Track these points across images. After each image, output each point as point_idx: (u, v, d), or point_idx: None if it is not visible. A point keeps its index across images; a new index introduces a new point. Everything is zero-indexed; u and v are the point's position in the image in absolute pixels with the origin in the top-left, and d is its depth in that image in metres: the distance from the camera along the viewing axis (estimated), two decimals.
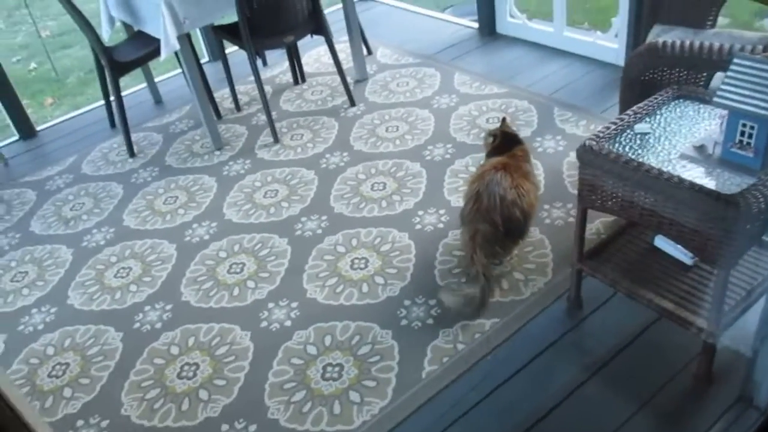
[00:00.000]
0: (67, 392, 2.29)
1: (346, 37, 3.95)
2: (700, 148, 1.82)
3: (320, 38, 3.67)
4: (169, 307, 2.58)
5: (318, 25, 3.59)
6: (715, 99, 1.69)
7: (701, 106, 2.02)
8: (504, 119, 2.62)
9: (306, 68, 4.20)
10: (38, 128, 4.21)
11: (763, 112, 1.60)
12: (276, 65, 4.37)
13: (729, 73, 1.67)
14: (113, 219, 3.17)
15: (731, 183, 1.69)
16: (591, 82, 3.60)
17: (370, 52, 4.27)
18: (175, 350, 2.38)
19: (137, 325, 2.52)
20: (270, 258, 2.73)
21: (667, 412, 1.91)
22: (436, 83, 3.82)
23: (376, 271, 2.55)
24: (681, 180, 1.68)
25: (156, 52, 3.35)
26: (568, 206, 2.70)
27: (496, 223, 2.28)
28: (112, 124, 4.02)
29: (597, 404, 1.97)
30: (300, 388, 2.15)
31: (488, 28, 4.30)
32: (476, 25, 4.40)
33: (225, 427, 2.07)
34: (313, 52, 4.42)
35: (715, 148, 1.79)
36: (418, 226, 2.75)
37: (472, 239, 2.33)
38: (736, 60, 1.67)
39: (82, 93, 5.17)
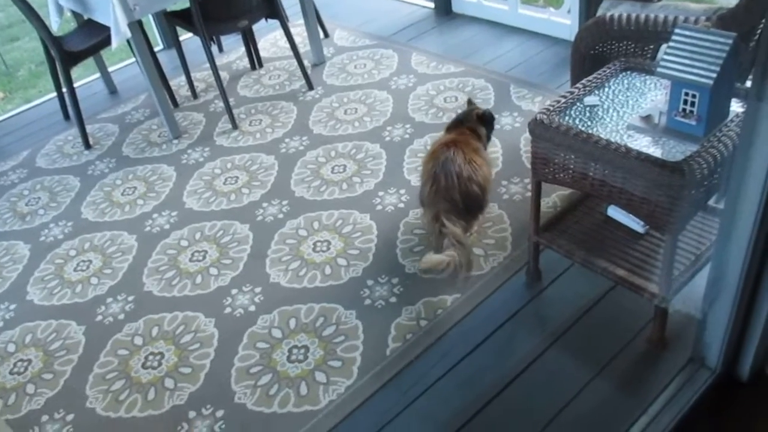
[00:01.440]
0: (30, 388, 2.26)
1: (301, 21, 3.93)
2: (647, 119, 1.87)
3: (276, 22, 3.65)
4: (131, 298, 2.56)
5: (272, 9, 3.56)
6: (658, 69, 1.73)
7: (648, 77, 2.07)
8: (469, 100, 2.68)
9: (262, 53, 4.16)
10: None
11: (703, 80, 1.65)
12: (232, 51, 4.32)
13: (671, 44, 1.71)
14: (71, 212, 3.12)
15: (676, 151, 1.74)
16: (546, 58, 3.65)
17: (326, 35, 4.25)
18: (138, 341, 2.36)
19: (99, 317, 2.50)
20: (232, 244, 2.72)
21: (624, 376, 1.98)
22: (394, 64, 3.82)
23: (339, 253, 2.57)
24: (628, 149, 1.73)
25: (107, 41, 3.28)
26: (525, 181, 2.74)
27: (455, 200, 2.31)
28: (66, 116, 3.94)
29: (557, 372, 2.02)
30: (266, 371, 2.16)
31: (444, 8, 4.31)
32: (432, 5, 4.41)
33: (192, 413, 2.07)
34: (270, 37, 4.38)
35: (660, 118, 1.84)
36: (379, 207, 2.77)
37: (434, 219, 2.35)
38: (677, 31, 1.71)
39: (34, 86, 5.04)
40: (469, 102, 2.70)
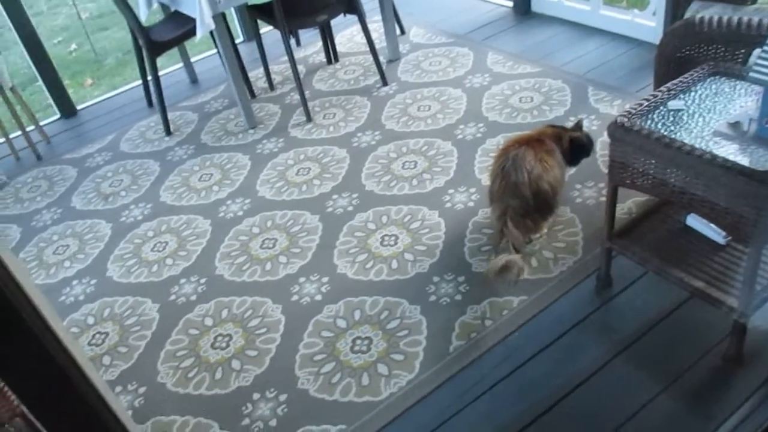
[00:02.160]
0: (106, 360, 2.38)
1: (379, 17, 3.96)
2: (735, 125, 1.79)
3: (353, 18, 3.69)
4: (203, 280, 2.64)
5: (351, 5, 3.59)
6: (750, 74, 1.66)
7: (737, 82, 1.99)
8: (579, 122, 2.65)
9: (339, 48, 4.21)
10: (78, 107, 4.32)
11: None
12: (309, 45, 4.39)
13: (765, 48, 1.64)
14: (150, 195, 3.26)
15: (765, 160, 1.67)
16: (627, 61, 3.55)
17: (403, 32, 4.27)
18: (209, 321, 2.44)
19: (173, 297, 2.59)
20: (301, 234, 2.77)
21: (695, 392, 1.90)
22: (469, 62, 3.80)
23: (406, 248, 2.58)
24: (713, 157, 1.66)
25: (192, 32, 3.41)
26: (599, 185, 2.68)
27: (526, 197, 2.29)
28: (149, 104, 4.11)
29: (622, 383, 1.97)
30: (329, 359, 2.19)
31: (523, 7, 4.25)
32: (511, 3, 4.36)
33: (256, 395, 2.13)
34: (347, 32, 4.43)
35: (750, 125, 1.76)
36: (448, 204, 2.76)
37: (503, 215, 2.33)
38: None
39: (120, 74, 5.28)
40: (578, 125, 2.62)
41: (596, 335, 2.14)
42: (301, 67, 4.10)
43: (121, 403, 2.16)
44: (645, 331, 2.10)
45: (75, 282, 2.78)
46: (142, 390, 2.23)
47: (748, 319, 1.84)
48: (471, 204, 2.74)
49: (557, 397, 1.95)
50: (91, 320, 2.57)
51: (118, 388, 2.25)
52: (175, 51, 4.02)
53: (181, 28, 3.64)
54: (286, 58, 3.54)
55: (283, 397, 2.10)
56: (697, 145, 1.73)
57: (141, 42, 3.61)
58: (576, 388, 1.97)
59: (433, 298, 2.34)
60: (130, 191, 3.32)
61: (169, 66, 4.55)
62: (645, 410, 1.88)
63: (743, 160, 1.68)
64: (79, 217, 3.21)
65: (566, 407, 1.93)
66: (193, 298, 2.57)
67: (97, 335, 2.49)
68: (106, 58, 5.65)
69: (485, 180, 2.83)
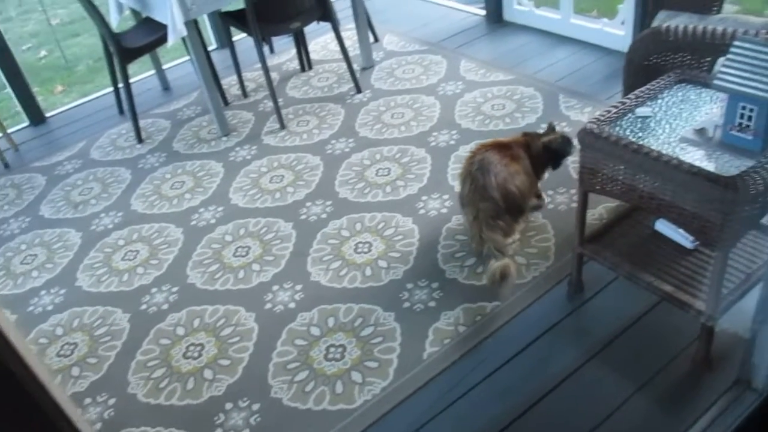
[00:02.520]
0: (75, 371, 2.33)
1: (352, 24, 3.97)
2: (701, 132, 1.83)
3: (327, 25, 3.69)
4: (175, 289, 2.61)
5: (325, 12, 3.60)
6: (715, 82, 1.69)
7: (703, 90, 2.03)
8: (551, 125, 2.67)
9: (313, 55, 4.21)
10: (48, 115, 4.26)
11: (762, 94, 1.61)
12: (283, 52, 4.39)
13: (729, 56, 1.68)
14: (121, 203, 3.21)
15: (730, 165, 1.70)
16: (597, 69, 3.60)
17: (376, 39, 4.28)
18: (180, 331, 2.41)
19: (144, 306, 2.56)
20: (275, 242, 2.76)
21: (665, 394, 1.93)
22: (442, 70, 3.83)
23: (380, 255, 2.58)
24: (680, 162, 1.69)
25: (163, 39, 3.38)
26: (571, 192, 2.71)
27: (495, 199, 2.32)
28: (121, 111, 4.06)
29: (595, 386, 1.99)
30: (303, 368, 2.18)
31: (495, 16, 4.29)
32: (483, 12, 4.40)
33: (229, 405, 2.10)
34: (320, 39, 4.44)
35: (715, 132, 1.80)
36: (422, 211, 2.77)
37: (476, 219, 2.35)
38: (736, 43, 1.68)
39: (91, 80, 5.21)
40: (550, 127, 2.65)
41: (569, 339, 2.16)
42: (274, 75, 4.09)
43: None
44: (617, 334, 2.12)
45: (43, 292, 2.73)
46: (112, 401, 2.19)
47: (716, 322, 1.87)
48: (444, 210, 2.75)
49: (532, 401, 1.97)
50: (59, 331, 2.52)
51: (88, 400, 2.21)
52: (147, 58, 3.99)
53: (152, 34, 3.61)
54: (259, 65, 3.53)
55: (256, 407, 2.08)
56: (664, 151, 1.76)
57: (112, 49, 3.57)
58: (550, 391, 1.99)
59: (407, 304, 2.34)
60: (101, 199, 3.27)
61: (141, 73, 4.51)
62: (618, 413, 1.90)
63: (709, 166, 1.71)
64: (47, 226, 3.15)
65: (541, 411, 1.94)
66: (165, 307, 2.54)
67: (66, 346, 2.45)
68: (77, 65, 5.58)
69: (459, 187, 2.85)
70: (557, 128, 2.67)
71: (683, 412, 1.87)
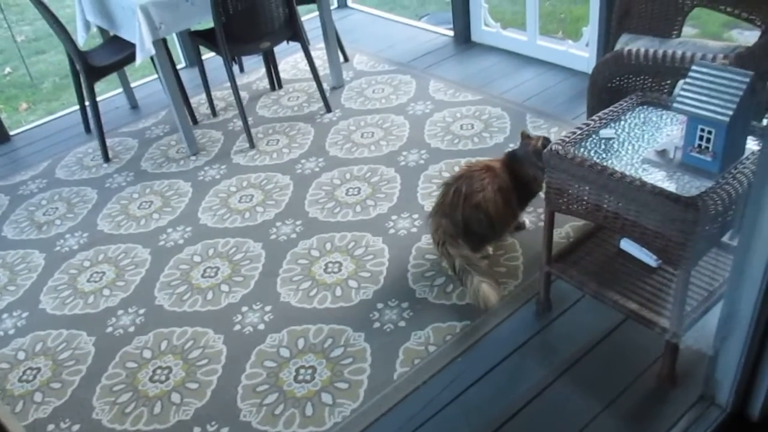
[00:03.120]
0: (38, 397, 2.28)
1: (322, 44, 3.99)
2: (662, 153, 1.88)
3: (297, 45, 3.70)
4: (142, 311, 2.57)
5: (294, 32, 3.61)
6: (675, 104, 1.74)
7: (664, 112, 2.08)
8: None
9: (283, 74, 4.22)
10: (12, 133, 4.18)
11: (719, 117, 1.66)
12: (253, 71, 4.39)
13: (688, 80, 1.73)
14: (87, 224, 3.16)
15: (691, 186, 1.75)
16: (563, 90, 3.67)
17: (346, 59, 4.31)
18: (147, 354, 2.37)
19: (110, 329, 2.51)
20: (244, 262, 2.74)
21: (631, 411, 1.95)
22: (412, 90, 3.86)
23: (350, 275, 2.58)
24: (643, 183, 1.73)
25: (131, 57, 3.35)
26: (538, 211, 2.75)
27: (456, 221, 2.34)
28: (87, 130, 4.01)
29: (563, 404, 2.00)
30: (273, 390, 2.16)
31: (463, 37, 4.36)
32: (452, 33, 4.47)
33: (197, 429, 2.07)
34: (290, 59, 4.45)
35: (676, 153, 1.85)
36: (392, 231, 2.78)
37: (435, 233, 2.39)
38: (694, 67, 1.73)
39: (57, 98, 5.14)
40: (525, 134, 2.52)
41: (538, 358, 2.18)
42: (244, 94, 4.09)
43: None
44: (584, 352, 2.15)
45: (5, 315, 2.66)
46: (75, 428, 2.14)
47: (680, 339, 1.91)
48: (414, 230, 2.77)
49: (501, 421, 1.97)
50: (21, 355, 2.46)
51: (51, 426, 2.15)
52: (114, 76, 3.95)
53: (120, 52, 3.58)
54: (228, 84, 3.52)
55: (224, 431, 2.05)
56: (627, 172, 1.80)
57: (79, 66, 3.53)
58: (519, 411, 2.00)
59: (377, 324, 2.34)
60: (66, 220, 3.22)
61: (109, 91, 4.46)
62: (586, 431, 1.91)
63: (671, 186, 1.76)
64: (10, 247, 3.08)
65: (511, 430, 1.95)
66: (131, 329, 2.49)
67: (29, 371, 2.38)
68: (43, 82, 5.50)
69: (428, 206, 2.87)
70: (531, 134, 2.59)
71: (649, 428, 1.90)
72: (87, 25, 3.74)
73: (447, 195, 2.40)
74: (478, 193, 2.36)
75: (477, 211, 2.35)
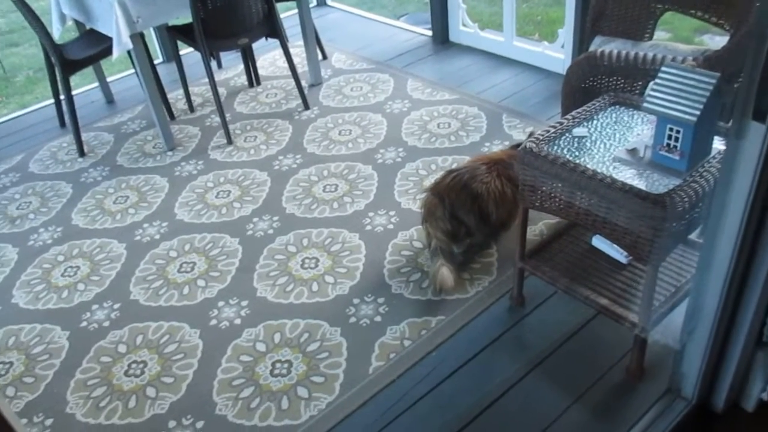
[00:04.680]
0: (10, 391, 2.26)
1: (301, 42, 4.00)
2: (633, 152, 1.92)
3: (275, 42, 3.71)
4: (117, 305, 2.56)
5: (273, 29, 3.62)
6: (645, 105, 1.79)
7: (635, 112, 2.13)
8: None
9: (261, 71, 4.22)
10: None
11: (687, 117, 1.71)
12: (231, 67, 4.38)
13: (657, 81, 1.78)
14: (61, 218, 3.13)
15: (659, 184, 1.79)
16: (538, 90, 3.73)
17: (325, 57, 4.32)
18: (122, 348, 2.37)
19: (84, 323, 2.50)
20: (221, 257, 2.74)
21: (601, 404, 2.00)
22: (390, 89, 3.89)
23: (327, 271, 2.59)
24: (613, 180, 1.78)
25: (108, 51, 3.33)
26: None
27: (443, 200, 2.38)
28: (62, 124, 3.97)
29: (535, 398, 2.04)
30: (248, 384, 2.17)
31: (441, 37, 4.40)
32: (430, 33, 4.50)
33: (172, 423, 2.07)
34: (269, 56, 4.45)
35: (646, 152, 1.90)
36: (369, 227, 2.80)
37: (422, 206, 2.48)
38: (663, 68, 1.78)
39: (31, 92, 5.07)
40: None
41: (511, 352, 2.22)
42: (222, 90, 4.08)
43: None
44: (556, 347, 2.19)
45: None
46: (49, 422, 2.13)
47: (648, 333, 1.96)
48: (390, 227, 2.79)
49: (475, 413, 2.01)
50: None
51: (24, 421, 2.14)
52: (90, 70, 3.92)
53: (96, 46, 3.55)
54: (206, 79, 3.52)
55: (200, 424, 2.06)
56: (598, 170, 1.85)
57: (54, 59, 3.50)
58: (492, 403, 2.03)
59: (353, 319, 2.36)
60: (39, 214, 3.19)
61: (84, 85, 4.42)
62: (557, 423, 1.96)
63: (640, 184, 1.80)
64: None
65: (484, 422, 1.98)
66: (106, 324, 2.48)
67: (1, 365, 2.36)
68: (16, 75, 5.42)
69: (405, 203, 2.90)
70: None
71: (617, 420, 1.95)
72: (62, 18, 3.70)
73: (446, 177, 2.47)
74: (482, 184, 2.40)
75: (471, 200, 2.39)
